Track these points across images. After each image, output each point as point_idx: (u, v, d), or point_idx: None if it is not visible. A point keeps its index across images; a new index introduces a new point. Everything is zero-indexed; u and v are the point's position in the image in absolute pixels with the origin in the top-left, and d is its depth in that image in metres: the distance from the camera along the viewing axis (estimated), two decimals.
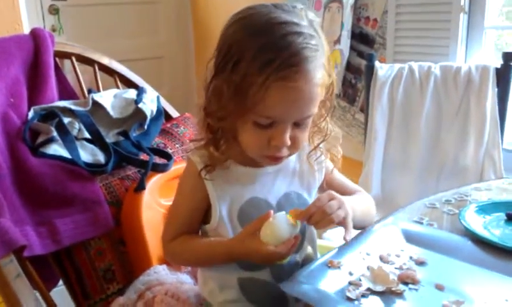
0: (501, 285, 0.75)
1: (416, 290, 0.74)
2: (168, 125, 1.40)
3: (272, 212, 0.76)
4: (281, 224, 0.75)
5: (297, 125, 0.77)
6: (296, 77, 0.71)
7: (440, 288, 0.74)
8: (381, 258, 0.82)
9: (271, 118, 0.74)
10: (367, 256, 0.82)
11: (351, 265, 0.79)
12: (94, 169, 1.13)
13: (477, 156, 1.61)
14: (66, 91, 1.36)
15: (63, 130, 1.16)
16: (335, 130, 0.87)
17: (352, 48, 2.15)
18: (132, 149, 1.22)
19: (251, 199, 0.84)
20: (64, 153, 1.13)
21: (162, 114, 1.38)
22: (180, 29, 3.66)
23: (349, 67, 2.19)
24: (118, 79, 1.48)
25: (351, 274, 0.77)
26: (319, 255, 0.94)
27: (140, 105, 1.29)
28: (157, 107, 1.36)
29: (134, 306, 0.97)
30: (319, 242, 1.14)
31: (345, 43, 2.14)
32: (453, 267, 0.80)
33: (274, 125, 0.75)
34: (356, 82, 2.19)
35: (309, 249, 0.91)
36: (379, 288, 0.73)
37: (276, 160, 0.80)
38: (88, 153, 1.17)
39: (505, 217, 0.94)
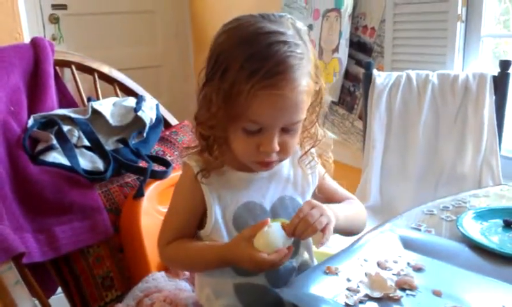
0: (498, 291, 0.75)
1: (413, 296, 0.74)
2: (167, 133, 1.40)
3: (269, 220, 0.77)
4: (275, 234, 0.76)
5: (285, 130, 0.79)
6: (281, 85, 0.73)
7: (437, 294, 0.74)
8: (379, 265, 0.82)
9: (259, 124, 0.76)
10: (365, 263, 0.82)
11: (348, 271, 0.79)
12: (93, 176, 1.14)
13: (475, 163, 1.62)
14: (65, 100, 1.37)
15: (63, 138, 1.17)
16: (326, 136, 0.88)
17: (350, 56, 2.17)
18: (131, 157, 1.22)
19: (246, 204, 0.85)
20: (64, 160, 1.14)
21: (161, 121, 1.39)
22: (179, 38, 3.68)
23: (348, 75, 2.21)
24: (117, 87, 1.49)
25: (348, 280, 0.77)
26: (316, 261, 0.95)
27: (139, 113, 1.30)
28: (156, 114, 1.37)
29: None
30: (321, 249, 1.14)
31: (344, 51, 2.16)
32: (451, 273, 0.81)
33: (262, 131, 0.77)
34: (354, 90, 2.20)
35: (305, 255, 0.92)
36: (376, 294, 0.73)
37: (267, 165, 0.82)
38: (87, 161, 1.18)
39: (503, 224, 0.95)
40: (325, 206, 0.80)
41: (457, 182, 1.64)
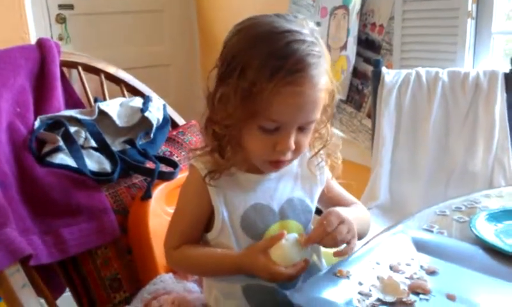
0: None
1: (427, 300, 0.72)
2: (174, 133, 1.40)
3: (285, 232, 0.77)
4: (292, 247, 0.76)
5: (301, 129, 0.79)
6: (302, 82, 0.73)
7: (451, 298, 0.72)
8: (391, 268, 0.80)
9: (277, 122, 0.76)
10: (377, 266, 0.81)
11: (360, 274, 0.78)
12: (100, 177, 1.13)
13: (487, 162, 1.59)
14: (72, 100, 1.37)
15: (69, 139, 1.16)
16: (335, 136, 0.88)
17: (358, 54, 2.15)
18: (139, 158, 1.21)
19: (254, 205, 0.84)
20: (71, 162, 1.13)
21: (168, 122, 1.38)
22: (185, 37, 3.68)
23: (356, 73, 2.19)
24: (124, 88, 1.48)
25: (360, 283, 0.76)
26: (324, 262, 0.94)
27: (146, 114, 1.30)
28: (163, 115, 1.36)
29: None
30: (327, 249, 1.13)
31: (352, 49, 2.14)
32: (464, 276, 0.79)
33: (279, 129, 0.77)
34: (362, 88, 2.18)
35: (314, 257, 0.91)
36: (389, 299, 0.72)
37: (278, 166, 0.82)
38: (94, 162, 1.17)
39: None
40: (347, 214, 0.80)
41: (468, 181, 1.61)
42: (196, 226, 0.86)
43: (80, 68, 1.42)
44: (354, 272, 0.78)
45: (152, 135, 1.30)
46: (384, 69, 1.75)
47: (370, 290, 0.74)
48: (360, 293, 0.73)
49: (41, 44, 1.32)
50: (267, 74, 0.72)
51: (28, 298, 0.89)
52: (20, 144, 1.12)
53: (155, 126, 1.30)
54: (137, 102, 1.36)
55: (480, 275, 0.79)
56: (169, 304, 0.94)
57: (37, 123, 1.20)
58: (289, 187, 0.88)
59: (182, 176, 1.18)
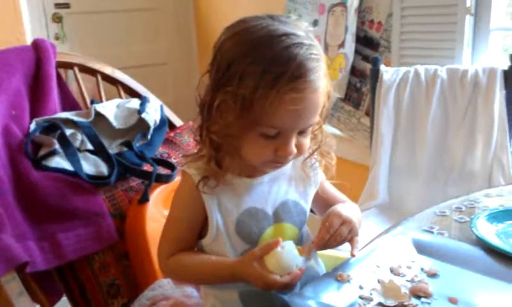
0: None
1: (428, 303, 0.71)
2: (172, 134, 1.38)
3: (280, 239, 0.76)
4: (288, 255, 0.74)
5: (300, 132, 0.78)
6: (304, 88, 0.72)
7: (453, 301, 0.72)
8: (392, 270, 0.80)
9: (279, 128, 0.75)
10: (377, 269, 0.80)
11: (360, 278, 0.77)
12: (97, 181, 1.12)
13: (485, 160, 1.59)
14: (68, 102, 1.36)
15: (65, 142, 1.15)
16: (329, 136, 0.88)
17: (356, 51, 2.13)
18: (136, 160, 1.20)
19: (248, 210, 0.83)
20: (67, 165, 1.12)
21: (165, 123, 1.37)
22: (183, 36, 3.66)
23: (354, 71, 2.18)
24: (120, 89, 1.47)
25: (361, 287, 0.75)
26: (321, 264, 0.93)
27: (143, 115, 1.28)
28: (161, 116, 1.35)
29: None
30: (328, 251, 1.12)
31: (350, 46, 2.13)
32: (466, 278, 0.78)
33: (280, 134, 0.76)
34: (361, 86, 2.17)
35: (311, 260, 0.90)
36: (390, 303, 0.71)
37: (279, 165, 0.82)
38: (90, 165, 1.16)
39: None
40: (348, 217, 0.81)
41: (467, 179, 1.61)
42: (189, 233, 0.84)
43: (76, 69, 1.40)
44: (354, 275, 0.78)
45: (149, 137, 1.28)
46: (382, 67, 1.74)
47: (371, 294, 0.73)
48: (360, 297, 0.73)
49: (36, 45, 1.31)
50: (269, 81, 0.71)
51: (24, 306, 0.88)
52: (16, 148, 1.10)
53: (152, 127, 1.29)
54: (134, 103, 1.34)
55: (482, 277, 0.78)
56: None
57: (33, 126, 1.18)
58: (283, 190, 0.87)
59: (179, 178, 1.17)
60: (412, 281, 0.77)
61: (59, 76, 1.35)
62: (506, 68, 1.56)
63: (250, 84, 0.71)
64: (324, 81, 0.76)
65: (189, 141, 1.37)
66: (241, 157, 0.80)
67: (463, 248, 0.86)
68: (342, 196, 0.96)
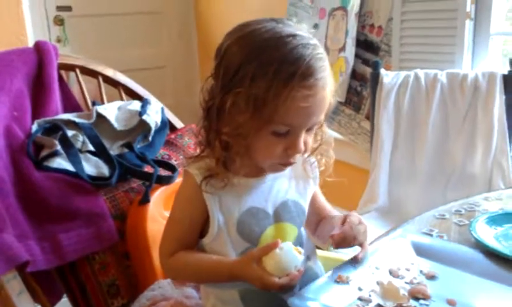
0: None
1: (427, 305, 0.72)
2: (173, 136, 1.39)
3: (280, 241, 0.76)
4: (286, 256, 0.75)
5: (307, 130, 0.80)
6: (315, 85, 0.75)
7: (451, 303, 0.72)
8: (391, 272, 0.80)
9: (290, 126, 0.77)
10: (376, 271, 0.80)
11: (360, 280, 0.78)
12: (98, 182, 1.12)
13: (485, 164, 1.59)
14: (70, 104, 1.36)
15: (67, 143, 1.16)
16: (327, 135, 0.89)
17: (357, 55, 2.14)
18: (137, 162, 1.21)
19: (249, 209, 0.84)
20: (68, 166, 1.13)
21: (166, 125, 1.37)
22: (184, 39, 3.67)
23: (354, 75, 2.18)
24: (122, 91, 1.47)
25: (360, 289, 0.75)
26: (320, 265, 0.93)
27: (144, 117, 1.29)
28: (162, 118, 1.36)
29: None
30: (327, 253, 1.12)
31: (350, 50, 2.14)
32: (464, 281, 0.79)
33: (289, 132, 0.77)
34: (361, 90, 2.18)
35: (309, 261, 0.90)
36: (389, 304, 0.71)
37: (289, 165, 0.83)
38: (92, 166, 1.16)
39: None
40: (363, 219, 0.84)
41: (467, 183, 1.61)
42: (191, 232, 0.85)
43: (78, 71, 1.41)
44: (353, 277, 0.78)
45: (150, 139, 1.29)
46: (382, 71, 1.75)
47: (370, 296, 0.74)
48: (359, 298, 0.73)
49: (38, 47, 1.31)
50: (282, 80, 0.73)
51: (25, 305, 0.88)
52: (18, 149, 1.11)
53: (153, 129, 1.30)
54: (136, 105, 1.35)
55: (481, 280, 0.78)
56: None
57: (34, 127, 1.19)
58: (283, 189, 0.88)
59: (180, 180, 1.17)
60: (411, 283, 0.77)
61: (61, 78, 1.36)
62: (506, 72, 1.57)
63: (263, 84, 0.73)
64: (331, 80, 0.79)
65: (189, 143, 1.37)
66: (251, 157, 0.81)
67: (462, 251, 0.86)
68: (330, 207, 0.98)
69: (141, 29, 3.50)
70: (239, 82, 0.75)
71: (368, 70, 2.00)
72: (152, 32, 3.56)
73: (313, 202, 0.93)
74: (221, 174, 0.81)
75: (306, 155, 0.87)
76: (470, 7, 1.72)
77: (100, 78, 1.45)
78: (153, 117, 1.31)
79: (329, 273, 0.80)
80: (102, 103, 1.41)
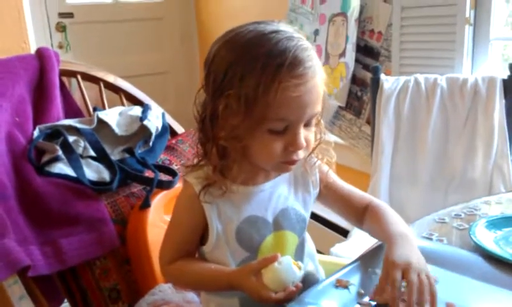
0: None
1: None
2: (173, 141, 1.39)
3: (279, 255, 0.76)
4: (284, 271, 0.74)
5: (306, 125, 0.79)
6: (304, 74, 0.75)
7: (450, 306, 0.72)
8: None
9: (286, 121, 0.76)
10: (376, 275, 0.80)
11: (359, 284, 0.78)
12: (99, 187, 1.13)
13: (486, 168, 1.59)
14: (71, 109, 1.37)
15: (68, 149, 1.16)
16: (326, 134, 0.88)
17: (357, 61, 2.15)
18: (137, 167, 1.21)
19: (248, 218, 0.83)
20: (70, 171, 1.13)
21: (167, 130, 1.38)
22: (185, 44, 3.69)
23: (355, 80, 2.19)
24: (123, 96, 1.48)
25: (359, 294, 0.75)
26: (321, 271, 0.93)
27: (145, 122, 1.30)
28: (162, 123, 1.36)
29: None
30: (327, 258, 1.12)
31: (350, 56, 2.14)
32: (464, 284, 0.79)
33: (288, 129, 0.77)
34: (362, 95, 2.18)
35: (311, 266, 0.90)
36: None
37: (293, 164, 0.81)
38: (93, 171, 1.17)
39: None
40: (407, 259, 0.74)
41: (468, 187, 1.61)
42: (190, 240, 0.85)
43: (79, 77, 1.42)
44: (353, 282, 0.78)
45: (151, 144, 1.29)
46: (382, 76, 1.75)
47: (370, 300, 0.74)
48: (359, 303, 0.73)
49: (40, 53, 1.33)
50: (271, 73, 0.73)
51: None
52: (19, 154, 1.11)
53: (154, 134, 1.30)
54: (136, 110, 1.36)
55: (480, 284, 0.78)
56: None
57: (36, 133, 1.20)
58: (283, 197, 0.87)
59: (181, 185, 1.18)
60: None
61: (62, 84, 1.37)
62: (506, 77, 1.57)
63: (252, 82, 0.73)
64: (320, 68, 0.79)
65: (190, 148, 1.38)
66: (250, 161, 0.81)
67: (462, 255, 0.86)
68: (361, 193, 0.94)
69: (142, 35, 3.52)
70: (228, 84, 0.75)
71: (368, 75, 2.00)
72: (153, 39, 3.58)
73: (336, 192, 0.91)
74: (218, 182, 0.80)
75: (307, 154, 0.87)
76: (469, 12, 1.72)
77: (101, 84, 1.46)
78: (154, 122, 1.32)
79: (329, 278, 0.80)
80: (103, 108, 1.42)
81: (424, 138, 1.69)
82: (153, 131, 1.30)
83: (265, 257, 0.76)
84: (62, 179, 1.11)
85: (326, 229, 2.37)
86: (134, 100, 1.49)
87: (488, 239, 0.89)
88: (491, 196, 1.19)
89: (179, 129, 1.50)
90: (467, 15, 1.72)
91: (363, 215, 0.91)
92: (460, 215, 1.04)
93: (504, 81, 1.57)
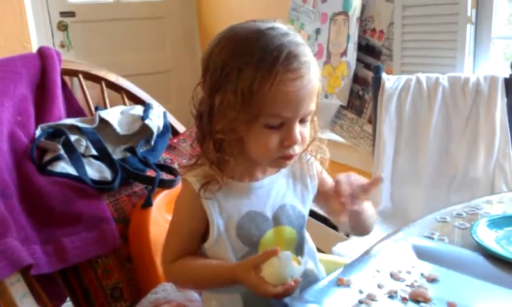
0: None
1: None
2: (175, 141, 1.40)
3: (279, 249, 0.76)
4: (283, 265, 0.75)
5: (301, 121, 0.80)
6: (300, 68, 0.76)
7: (452, 306, 0.72)
8: (392, 275, 0.80)
9: (281, 116, 0.77)
10: (377, 274, 0.81)
11: (360, 282, 0.78)
12: (101, 186, 1.13)
13: (488, 167, 1.59)
14: (73, 109, 1.37)
15: (70, 148, 1.17)
16: (320, 131, 0.89)
17: (359, 60, 2.15)
18: (139, 166, 1.22)
19: (248, 213, 0.84)
20: (72, 170, 1.14)
21: (169, 129, 1.38)
22: (187, 43, 3.69)
23: (356, 79, 2.19)
24: (124, 96, 1.48)
25: (360, 292, 0.76)
26: (322, 269, 0.93)
27: (147, 122, 1.30)
28: (164, 122, 1.36)
29: None
30: (328, 257, 1.13)
31: (352, 55, 2.14)
32: (465, 283, 0.79)
33: (283, 125, 0.78)
34: (363, 94, 2.18)
35: (311, 264, 0.90)
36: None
37: (289, 159, 0.82)
38: (94, 170, 1.17)
39: None
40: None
41: (470, 186, 1.61)
42: (192, 239, 0.86)
43: (81, 76, 1.42)
44: (354, 280, 0.78)
45: (152, 143, 1.30)
46: (384, 75, 1.75)
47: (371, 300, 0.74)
48: (360, 301, 0.73)
49: (42, 53, 1.33)
50: (267, 67, 0.74)
51: None
52: (21, 153, 1.12)
53: (155, 133, 1.31)
54: (138, 109, 1.36)
55: (481, 283, 0.78)
56: None
57: (38, 132, 1.20)
58: (281, 193, 0.88)
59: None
60: (412, 286, 0.77)
61: (64, 83, 1.37)
62: (507, 76, 1.57)
63: (248, 76, 0.74)
64: (315, 64, 0.79)
65: (191, 148, 1.38)
66: (247, 156, 0.81)
67: (463, 254, 0.86)
68: None
69: (144, 34, 3.52)
70: (225, 79, 0.76)
71: (370, 74, 2.00)
72: (155, 37, 3.58)
73: (322, 187, 0.92)
74: (216, 176, 0.81)
75: (302, 150, 0.87)
76: (471, 11, 1.72)
77: (103, 84, 1.46)
78: (155, 121, 1.32)
79: (330, 276, 0.80)
80: (105, 108, 1.42)
81: (425, 137, 1.69)
82: (155, 130, 1.31)
83: (265, 250, 0.77)
84: (64, 178, 1.11)
85: (328, 228, 2.37)
86: (136, 99, 1.50)
87: (490, 238, 0.89)
88: (493, 195, 1.19)
89: (180, 128, 1.50)
90: (469, 14, 1.72)
91: None
92: (462, 214, 1.04)
93: (506, 80, 1.57)
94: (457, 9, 1.74)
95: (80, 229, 1.06)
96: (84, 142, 1.22)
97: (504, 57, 1.83)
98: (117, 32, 3.42)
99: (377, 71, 1.76)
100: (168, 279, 0.93)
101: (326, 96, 2.29)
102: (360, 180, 0.82)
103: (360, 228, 0.92)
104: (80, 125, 1.25)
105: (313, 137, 0.87)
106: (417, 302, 0.73)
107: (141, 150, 1.26)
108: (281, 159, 0.81)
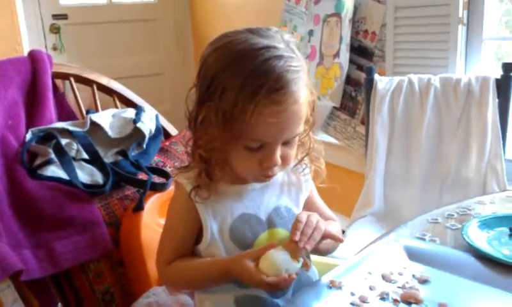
0: (506, 303, 0.73)
1: None
2: (167, 143, 1.39)
3: (276, 243, 0.76)
4: (279, 257, 0.75)
5: (285, 143, 0.79)
6: (284, 100, 0.73)
7: None
8: (384, 277, 0.80)
9: (261, 141, 0.76)
10: (369, 275, 0.81)
11: (352, 285, 0.78)
12: (92, 190, 1.13)
13: (480, 167, 1.60)
14: (65, 112, 1.36)
15: (61, 152, 1.16)
16: (317, 143, 0.88)
17: (351, 61, 2.16)
18: (131, 169, 1.21)
19: (242, 216, 0.84)
20: (62, 174, 1.13)
21: (161, 132, 1.38)
22: (180, 45, 3.69)
23: (349, 80, 2.19)
24: (116, 98, 1.48)
25: (352, 294, 0.76)
26: (315, 270, 0.93)
27: (138, 125, 1.29)
28: (156, 125, 1.36)
29: None
30: (321, 258, 1.12)
31: (345, 56, 2.15)
32: (457, 284, 0.79)
33: (264, 146, 0.77)
34: (356, 95, 2.19)
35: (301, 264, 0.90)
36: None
37: (270, 177, 0.83)
38: (86, 174, 1.16)
39: (509, 232, 0.93)
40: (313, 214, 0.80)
41: (462, 186, 1.62)
42: (186, 241, 0.86)
43: (72, 80, 1.41)
44: (346, 282, 0.78)
45: (144, 146, 1.29)
46: (376, 76, 1.76)
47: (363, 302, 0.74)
48: (352, 303, 0.73)
49: (32, 56, 1.32)
50: (249, 94, 0.72)
51: None
52: (12, 157, 1.11)
53: (147, 137, 1.30)
54: (130, 112, 1.35)
55: (473, 284, 0.78)
56: None
57: (28, 136, 1.19)
58: (275, 196, 0.88)
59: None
60: (403, 287, 0.77)
61: (55, 86, 1.36)
62: (499, 76, 1.58)
63: (230, 98, 0.73)
64: (306, 92, 0.77)
65: (183, 150, 1.38)
66: (231, 168, 0.81)
67: (454, 255, 0.87)
68: (329, 212, 0.97)
69: (137, 37, 3.52)
70: (211, 95, 0.75)
71: (362, 76, 2.00)
72: (148, 40, 3.58)
73: (309, 207, 0.92)
74: (208, 185, 0.81)
75: (291, 166, 0.87)
76: (462, 12, 1.73)
77: (95, 87, 1.45)
78: (147, 124, 1.32)
79: (323, 278, 0.80)
80: (97, 111, 1.41)
81: (417, 138, 1.70)
82: (147, 133, 1.30)
83: (265, 245, 0.77)
84: (55, 182, 1.11)
85: None
86: (128, 102, 1.49)
87: (481, 239, 0.90)
88: (485, 195, 1.20)
89: (173, 131, 1.50)
90: (460, 15, 1.73)
91: None
92: (453, 215, 1.04)
93: (497, 80, 1.58)
94: (448, 11, 1.75)
95: (72, 233, 1.06)
96: (75, 145, 1.22)
97: (495, 57, 1.84)
98: (110, 34, 3.41)
99: (369, 72, 1.77)
100: (164, 281, 0.92)
101: (319, 98, 2.29)
102: (320, 225, 0.79)
103: (317, 252, 0.91)
104: (71, 128, 1.24)
105: (308, 150, 0.86)
106: (409, 303, 0.73)
107: (132, 153, 1.25)
108: (260, 176, 0.82)
